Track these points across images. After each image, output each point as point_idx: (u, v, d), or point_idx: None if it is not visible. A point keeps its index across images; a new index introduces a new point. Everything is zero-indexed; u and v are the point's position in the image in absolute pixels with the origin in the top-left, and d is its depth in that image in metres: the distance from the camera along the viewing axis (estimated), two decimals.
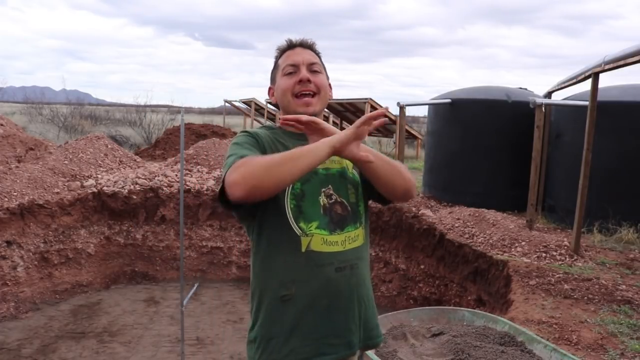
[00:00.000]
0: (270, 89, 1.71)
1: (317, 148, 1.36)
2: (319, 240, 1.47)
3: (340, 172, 1.58)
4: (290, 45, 1.65)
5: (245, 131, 1.57)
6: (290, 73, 1.59)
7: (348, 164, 1.60)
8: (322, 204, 1.51)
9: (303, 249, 1.46)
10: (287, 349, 1.46)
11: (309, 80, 1.57)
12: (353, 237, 1.54)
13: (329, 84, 1.68)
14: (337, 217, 1.52)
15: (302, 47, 1.64)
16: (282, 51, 1.65)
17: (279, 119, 1.57)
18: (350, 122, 19.62)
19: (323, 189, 1.52)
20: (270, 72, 1.73)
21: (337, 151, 1.38)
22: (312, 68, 1.60)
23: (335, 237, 1.50)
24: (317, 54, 1.67)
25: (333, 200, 1.53)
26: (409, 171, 1.62)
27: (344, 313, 1.50)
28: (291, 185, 1.46)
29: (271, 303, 1.50)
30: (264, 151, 1.49)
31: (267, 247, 1.51)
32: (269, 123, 1.71)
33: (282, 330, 1.48)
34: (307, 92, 1.57)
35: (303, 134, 1.54)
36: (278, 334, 1.48)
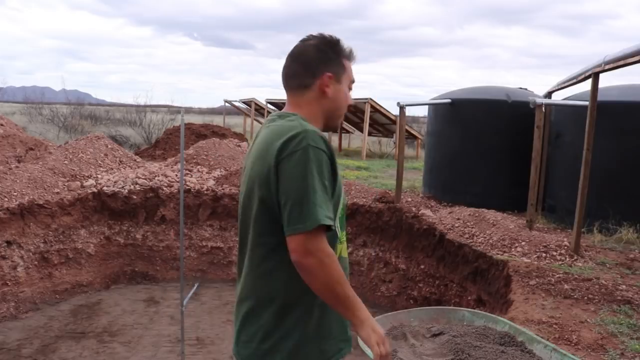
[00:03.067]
0: (329, 76, 1.53)
1: (361, 310, 1.38)
2: (344, 247, 1.57)
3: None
4: (354, 58, 1.63)
5: (322, 144, 1.39)
6: (349, 89, 1.62)
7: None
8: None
9: (337, 254, 1.47)
10: (318, 351, 1.47)
11: None
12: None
13: None
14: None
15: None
16: (347, 56, 1.60)
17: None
18: (350, 122, 19.60)
19: None
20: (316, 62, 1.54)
21: (359, 330, 1.40)
22: None
23: (345, 246, 1.59)
24: None
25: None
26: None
27: None
28: (342, 200, 1.52)
29: (304, 309, 1.45)
30: (335, 170, 1.45)
31: None
32: (297, 116, 1.50)
33: (313, 335, 1.46)
34: None
35: None
36: (309, 340, 1.46)
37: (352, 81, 1.61)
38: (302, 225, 1.30)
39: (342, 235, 1.53)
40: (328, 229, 1.32)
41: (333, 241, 1.47)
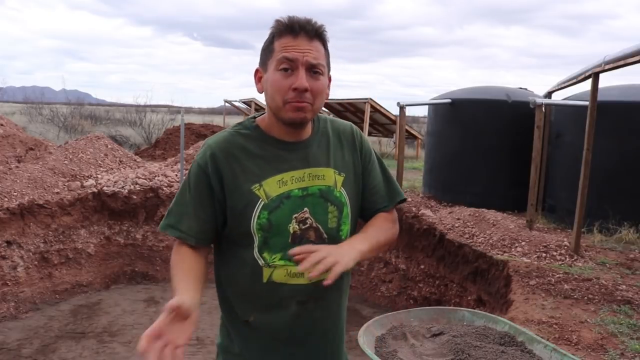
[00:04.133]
0: (257, 71, 1.39)
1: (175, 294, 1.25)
2: (283, 272, 1.36)
3: (322, 191, 1.39)
4: (293, 30, 1.30)
5: (201, 155, 1.37)
6: (285, 70, 1.29)
7: (338, 180, 1.42)
8: (292, 231, 1.35)
9: (264, 280, 1.37)
10: None
11: (306, 89, 1.29)
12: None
13: (329, 77, 1.40)
14: None
15: (307, 35, 1.30)
16: (280, 32, 1.31)
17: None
18: (350, 122, 19.61)
19: (295, 215, 1.36)
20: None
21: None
22: (314, 70, 1.31)
23: None
24: (325, 42, 1.36)
25: (307, 226, 1.37)
26: (392, 227, 1.56)
27: (306, 347, 1.46)
28: (257, 215, 1.33)
29: (234, 322, 1.47)
30: (211, 188, 1.34)
31: (229, 267, 1.44)
32: (246, 119, 1.45)
33: (245, 349, 1.45)
34: (301, 103, 1.31)
35: (287, 142, 1.38)
36: (237, 352, 1.46)
37: (285, 58, 1.28)
38: (160, 224, 1.45)
39: (271, 258, 1.35)
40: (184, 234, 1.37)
41: (250, 263, 1.36)
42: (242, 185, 1.34)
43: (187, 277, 1.33)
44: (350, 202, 1.45)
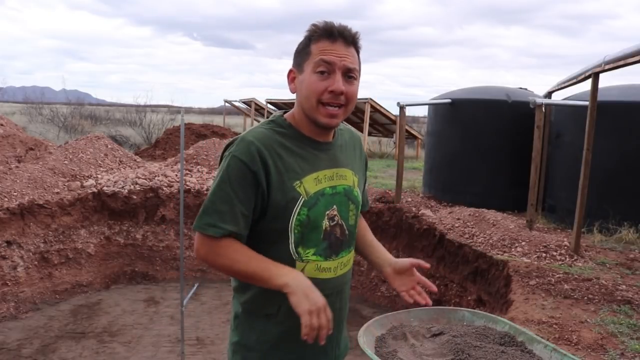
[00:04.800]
0: (291, 72, 1.44)
1: (278, 276, 1.30)
2: (313, 267, 1.42)
3: (346, 190, 1.48)
4: (331, 35, 1.35)
5: (242, 149, 1.35)
6: (322, 72, 1.34)
7: (355, 180, 1.52)
8: (324, 227, 1.42)
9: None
10: None
11: (342, 92, 1.35)
12: (345, 262, 1.50)
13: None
14: (335, 242, 1.45)
15: (345, 41, 1.36)
16: (318, 36, 1.36)
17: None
18: (350, 122, 19.60)
19: (327, 212, 1.42)
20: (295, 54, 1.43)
21: (290, 297, 1.29)
22: (349, 74, 1.37)
23: (329, 263, 1.45)
24: (358, 49, 1.42)
25: (335, 223, 1.45)
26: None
27: (326, 338, 1.49)
28: (297, 211, 1.37)
29: (254, 316, 1.47)
30: (257, 184, 1.34)
31: None
32: (277, 117, 1.47)
33: (262, 345, 1.46)
34: (336, 105, 1.37)
35: (320, 142, 1.44)
36: (257, 348, 1.46)
37: (323, 61, 1.34)
38: (194, 224, 1.37)
39: (305, 253, 1.40)
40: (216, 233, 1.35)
41: (283, 257, 1.38)
42: (285, 182, 1.37)
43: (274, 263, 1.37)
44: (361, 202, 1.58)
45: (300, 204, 1.37)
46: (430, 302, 1.47)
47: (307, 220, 1.38)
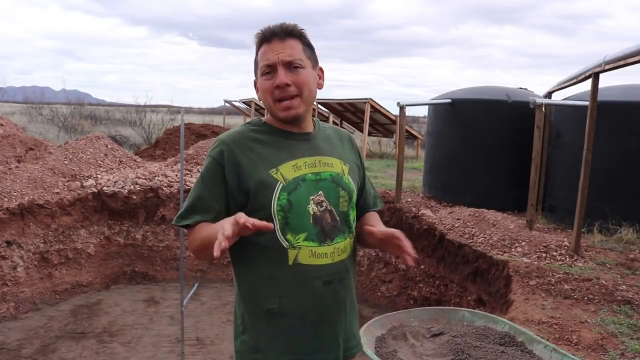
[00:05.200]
0: (255, 82, 1.55)
1: (214, 229, 1.28)
2: (307, 252, 1.42)
3: (334, 177, 1.50)
4: (265, 38, 1.45)
5: (214, 148, 1.47)
6: (267, 73, 1.44)
7: (344, 168, 1.54)
8: (311, 212, 1.44)
9: (290, 262, 1.42)
10: None
11: (287, 84, 1.42)
12: (342, 249, 1.49)
13: (320, 69, 1.55)
14: (327, 227, 1.45)
15: (279, 37, 1.44)
16: (258, 43, 1.48)
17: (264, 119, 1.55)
18: (350, 122, 19.60)
19: (312, 197, 1.45)
20: None
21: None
22: (292, 65, 1.43)
23: (325, 248, 1.44)
24: (300, 38, 1.47)
25: (323, 208, 1.46)
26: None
27: (332, 328, 1.48)
28: (277, 196, 1.41)
29: (257, 315, 1.47)
30: (222, 175, 1.43)
31: (251, 257, 1.46)
32: (255, 119, 1.59)
33: (269, 344, 1.45)
34: (287, 97, 1.44)
35: (294, 132, 1.50)
36: (264, 347, 1.46)
37: (264, 64, 1.44)
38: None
39: (295, 239, 1.42)
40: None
41: (273, 245, 1.41)
42: (260, 171, 1.43)
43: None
44: (356, 191, 1.57)
45: (279, 189, 1.42)
46: (414, 256, 1.44)
47: (289, 205, 1.42)
